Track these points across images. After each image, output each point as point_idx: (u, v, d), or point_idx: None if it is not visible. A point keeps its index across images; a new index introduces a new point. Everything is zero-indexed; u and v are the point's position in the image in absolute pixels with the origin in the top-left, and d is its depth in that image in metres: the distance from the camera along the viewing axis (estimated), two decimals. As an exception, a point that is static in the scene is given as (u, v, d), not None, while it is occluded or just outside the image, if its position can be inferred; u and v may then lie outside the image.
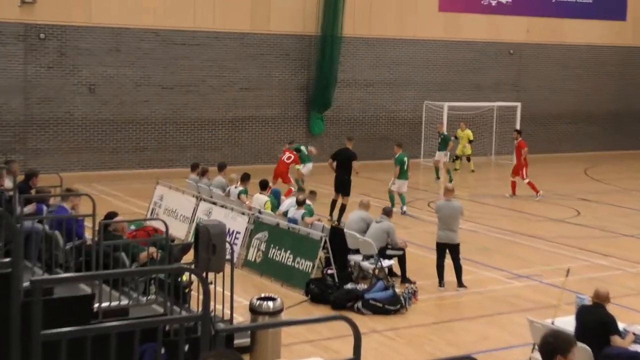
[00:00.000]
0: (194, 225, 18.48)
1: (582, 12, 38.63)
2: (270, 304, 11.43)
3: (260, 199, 18.69)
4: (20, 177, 16.06)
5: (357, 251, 16.22)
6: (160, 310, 10.37)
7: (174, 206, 20.35)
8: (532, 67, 37.91)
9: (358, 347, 6.10)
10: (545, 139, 38.58)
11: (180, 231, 19.09)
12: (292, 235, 16.46)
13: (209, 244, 9.91)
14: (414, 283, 15.52)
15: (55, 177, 16.51)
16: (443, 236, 15.87)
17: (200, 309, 10.11)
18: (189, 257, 12.52)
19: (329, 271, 15.57)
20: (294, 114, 33.06)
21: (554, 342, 6.14)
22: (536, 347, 11.18)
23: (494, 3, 36.71)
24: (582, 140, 39.54)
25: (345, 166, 21.75)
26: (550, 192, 27.46)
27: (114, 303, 10.18)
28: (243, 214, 18.07)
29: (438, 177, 29.62)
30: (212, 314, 10.24)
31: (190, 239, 17.95)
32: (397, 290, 14.81)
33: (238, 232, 17.61)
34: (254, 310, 11.47)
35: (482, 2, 36.48)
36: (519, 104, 35.59)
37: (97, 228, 11.21)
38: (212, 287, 9.94)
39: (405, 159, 23.07)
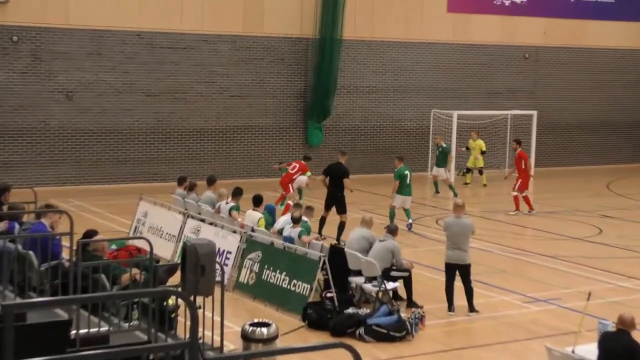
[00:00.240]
0: (180, 244, 18.46)
1: (604, 12, 38.74)
2: (264, 330, 11.40)
3: (253, 216, 18.69)
4: (-9, 192, 16.02)
5: (359, 272, 16.20)
6: (144, 337, 10.34)
7: (159, 223, 20.34)
8: (550, 73, 37.98)
9: (360, 377, 6.08)
10: (564, 151, 38.63)
11: (166, 251, 19.06)
12: (288, 255, 16.44)
13: (197, 265, 9.89)
14: (421, 307, 15.50)
15: (29, 192, 16.49)
16: (452, 256, 15.86)
17: (187, 335, 10.08)
18: (175, 279, 12.49)
19: (328, 294, 15.54)
20: (290, 123, 33.09)
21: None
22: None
23: (507, 3, 36.81)
24: (605, 152, 39.58)
25: (338, 183, 21.78)
26: (570, 208, 27.48)
27: (93, 330, 10.15)
28: (234, 232, 18.06)
29: (437, 192, 29.64)
30: (201, 341, 10.22)
31: (177, 259, 17.93)
32: (403, 315, 14.78)
33: (229, 252, 17.60)
34: (246, 337, 11.44)
35: (494, 2, 36.59)
36: (535, 113, 35.63)
37: (74, 248, 11.19)
38: (200, 311, 9.91)
39: (407, 172, 23.06)
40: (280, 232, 17.77)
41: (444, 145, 30.34)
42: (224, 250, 17.53)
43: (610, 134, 39.64)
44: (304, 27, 32.70)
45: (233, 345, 12.73)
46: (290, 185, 25.01)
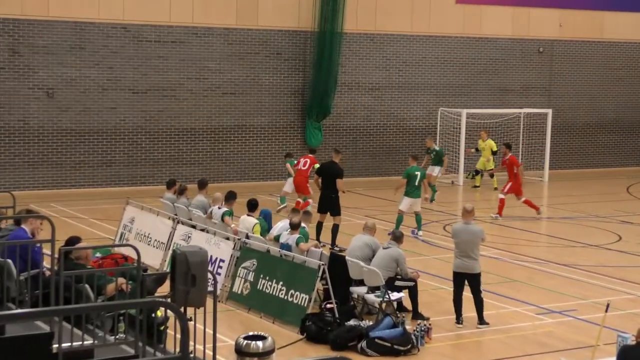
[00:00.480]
0: (170, 252, 18.50)
1: (623, 3, 38.79)
2: (260, 343, 11.40)
3: (248, 222, 18.72)
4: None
5: (361, 282, 16.24)
6: (131, 351, 10.37)
7: (147, 230, 20.38)
8: (566, 68, 38.05)
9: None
10: (581, 152, 38.69)
11: (154, 259, 19.10)
12: (285, 264, 16.48)
13: (187, 274, 9.92)
14: (427, 319, 15.54)
15: (6, 196, 16.53)
16: (461, 265, 15.90)
17: (177, 349, 10.11)
18: (164, 289, 12.53)
19: (328, 305, 15.58)
20: (287, 122, 33.15)
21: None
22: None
23: (520, -7, 36.88)
24: (624, 153, 39.66)
25: (331, 183, 21.85)
26: (587, 213, 27.52)
27: (77, 343, 10.18)
28: (228, 238, 18.09)
29: (434, 191, 29.66)
30: (192, 355, 10.25)
31: (166, 268, 17.97)
32: (408, 327, 14.82)
33: (222, 260, 17.63)
34: (240, 351, 11.44)
35: (506, -8, 36.66)
36: (549, 111, 35.69)
37: (56, 256, 11.22)
38: (191, 324, 9.94)
39: (417, 173, 23.09)
40: (276, 238, 17.81)
41: (437, 148, 30.35)
42: (216, 259, 17.56)
43: (630, 133, 39.70)
44: (302, 19, 32.76)
45: (226, 359, 12.78)
46: (308, 185, 25.07)
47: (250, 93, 32.40)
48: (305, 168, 25.41)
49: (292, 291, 15.91)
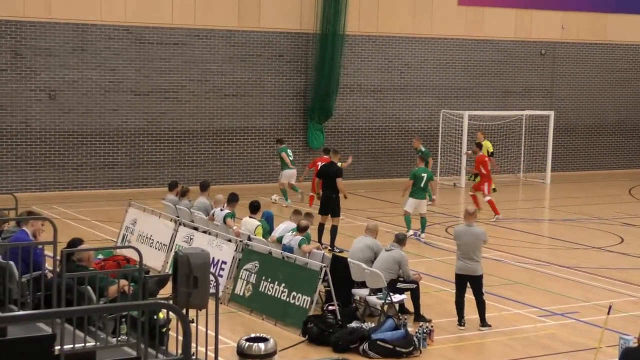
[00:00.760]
0: (172, 254, 18.50)
1: (626, 5, 38.78)
2: (262, 345, 11.44)
3: (250, 224, 18.73)
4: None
5: (362, 284, 16.24)
6: (133, 353, 10.37)
7: (149, 232, 20.38)
8: (568, 70, 38.05)
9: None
10: (584, 154, 38.69)
11: (157, 261, 19.11)
12: (287, 266, 16.48)
13: (189, 276, 9.93)
14: (430, 321, 15.52)
15: (9, 197, 16.57)
16: (463, 267, 15.89)
17: (179, 351, 10.12)
18: (166, 291, 12.53)
19: (330, 307, 15.57)
20: (289, 124, 33.16)
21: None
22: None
23: (522, -5, 36.89)
24: (627, 155, 39.65)
25: (331, 184, 21.89)
26: (589, 215, 27.51)
27: (79, 345, 10.18)
28: (230, 240, 18.09)
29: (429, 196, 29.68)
30: (194, 357, 10.26)
31: (168, 270, 17.97)
32: (410, 329, 14.82)
33: (224, 262, 17.64)
34: (242, 353, 11.48)
35: (508, -6, 36.68)
36: (551, 113, 35.68)
37: (58, 257, 11.23)
38: (193, 326, 9.95)
39: (424, 175, 23.07)
40: (279, 240, 17.81)
41: (423, 149, 30.33)
42: (218, 260, 17.57)
43: (632, 135, 39.70)
44: (304, 21, 32.78)
45: (228, 362, 12.78)
46: None
47: (252, 95, 32.41)
48: None
49: (294, 293, 15.91)
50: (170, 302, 10.25)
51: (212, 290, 10.85)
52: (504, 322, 16.30)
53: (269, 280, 16.52)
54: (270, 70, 32.66)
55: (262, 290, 16.57)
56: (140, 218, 21.02)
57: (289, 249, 17.07)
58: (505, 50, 36.72)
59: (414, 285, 16.10)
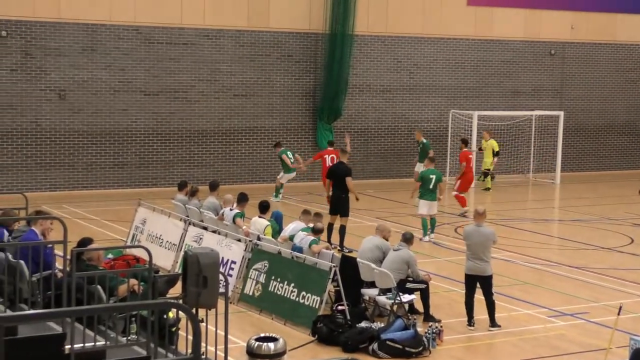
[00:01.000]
0: (181, 253, 18.52)
1: (637, 5, 38.70)
2: (271, 345, 11.44)
3: (260, 223, 18.73)
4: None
5: (372, 284, 16.23)
6: (143, 352, 10.39)
7: (159, 231, 20.39)
8: (577, 70, 37.99)
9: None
10: (593, 154, 38.62)
11: (166, 260, 19.12)
12: (297, 266, 16.48)
13: (199, 276, 9.93)
14: (439, 321, 15.51)
15: (19, 197, 16.60)
16: (473, 267, 15.87)
17: (189, 351, 10.12)
18: (176, 290, 12.55)
19: (340, 307, 15.58)
20: (298, 124, 33.17)
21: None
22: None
23: (532, -5, 36.85)
24: (637, 155, 39.56)
25: (340, 184, 21.86)
26: (599, 216, 27.46)
27: (89, 344, 10.20)
28: (239, 240, 18.10)
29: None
30: (203, 356, 10.26)
31: (178, 269, 18.00)
32: (419, 329, 14.81)
33: (233, 262, 17.64)
34: (252, 353, 11.48)
35: (518, -6, 36.63)
36: (561, 114, 35.63)
37: (68, 257, 11.24)
38: (203, 325, 9.96)
39: (432, 176, 23.00)
40: (291, 238, 17.76)
41: (424, 141, 30.39)
42: (227, 260, 17.58)
43: (642, 136, 39.62)
44: (313, 21, 32.78)
45: (237, 361, 12.79)
46: None
47: (261, 95, 32.43)
48: (333, 164, 25.87)
49: (303, 293, 15.91)
50: (180, 301, 10.26)
51: (221, 290, 10.86)
52: (514, 322, 16.28)
53: (279, 280, 16.53)
54: (280, 70, 32.67)
55: (272, 290, 16.57)
56: (149, 218, 21.04)
57: (299, 249, 17.07)
58: (515, 51, 36.68)
59: (423, 286, 16.09)
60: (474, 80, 35.99)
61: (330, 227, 21.69)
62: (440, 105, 35.33)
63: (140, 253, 14.45)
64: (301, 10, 32.67)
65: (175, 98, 31.17)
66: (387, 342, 14.33)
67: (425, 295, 16.12)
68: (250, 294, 16.99)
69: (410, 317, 15.46)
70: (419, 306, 16.24)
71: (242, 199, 20.00)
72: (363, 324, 14.99)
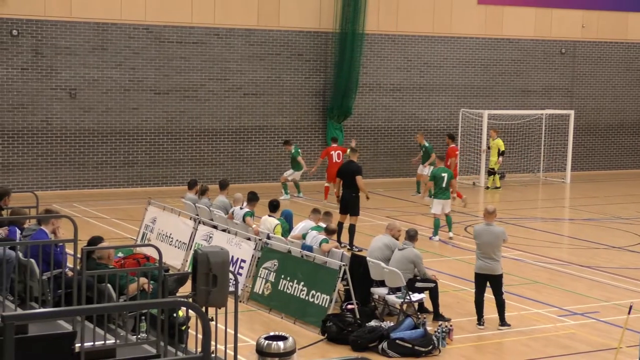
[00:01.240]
0: (191, 252, 18.56)
1: (647, 4, 38.62)
2: (281, 344, 11.44)
3: (270, 222, 18.75)
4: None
5: (381, 283, 16.23)
6: (153, 351, 10.42)
7: (169, 230, 20.43)
8: (588, 69, 37.92)
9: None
10: (604, 154, 38.54)
11: (176, 259, 19.16)
12: (306, 265, 16.49)
13: (209, 274, 9.95)
14: (449, 320, 15.51)
15: (30, 196, 16.65)
16: (483, 266, 15.86)
17: (199, 349, 10.14)
18: (186, 289, 12.57)
19: (349, 306, 15.59)
20: (308, 123, 33.17)
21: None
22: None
23: (542, -6, 36.78)
24: (647, 154, 39.48)
25: (351, 182, 21.84)
26: (610, 215, 27.40)
27: (99, 343, 10.24)
28: (249, 239, 18.12)
29: (418, 192, 29.66)
30: (213, 355, 10.28)
31: (188, 268, 18.03)
32: (429, 328, 14.81)
33: (243, 261, 17.66)
34: (261, 352, 11.47)
35: (528, -8, 36.57)
36: (572, 112, 35.58)
37: (79, 255, 11.27)
38: (212, 324, 9.98)
39: (444, 175, 22.98)
40: (303, 236, 17.75)
41: (427, 144, 30.35)
42: (237, 259, 17.60)
43: (653, 135, 39.53)
44: (323, 20, 32.78)
45: (247, 360, 12.80)
46: None
47: (271, 94, 32.45)
48: (340, 160, 27.18)
49: (313, 292, 15.93)
50: (190, 300, 10.29)
51: (231, 289, 10.88)
52: (524, 321, 16.26)
53: (288, 278, 16.54)
54: (290, 69, 32.69)
55: (281, 288, 16.59)
56: (159, 216, 21.08)
57: (308, 248, 17.08)
58: (525, 49, 36.63)
59: (432, 284, 16.09)
60: (484, 79, 35.95)
61: (340, 226, 21.68)
62: (451, 104, 35.30)
63: (150, 252, 14.48)
64: (311, 9, 32.68)
65: (186, 97, 31.21)
66: (397, 341, 14.34)
67: (434, 295, 16.11)
68: (260, 292, 17.01)
69: (419, 316, 15.47)
70: (429, 305, 16.24)
71: (253, 198, 20.00)
72: (372, 323, 14.99)
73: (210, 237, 18.91)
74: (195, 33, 31.12)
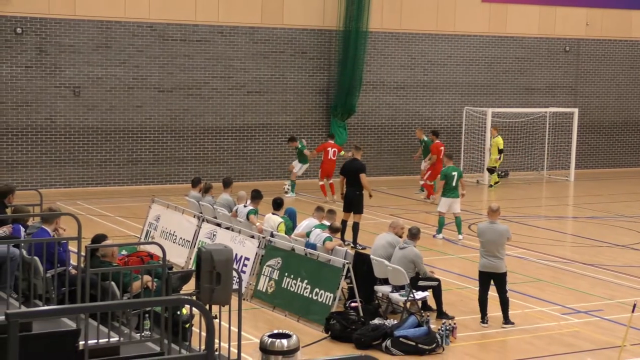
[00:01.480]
0: (195, 250, 18.56)
1: (651, 2, 38.57)
2: (284, 341, 11.45)
3: (273, 220, 18.74)
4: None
5: (385, 281, 16.23)
6: (157, 348, 10.42)
7: (173, 228, 20.44)
8: (592, 67, 37.89)
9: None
10: (608, 152, 38.50)
11: (180, 257, 19.17)
12: (310, 262, 16.50)
13: (212, 272, 9.96)
14: (452, 318, 15.52)
15: (34, 193, 16.65)
16: (487, 264, 15.86)
17: (202, 347, 10.15)
18: (189, 287, 12.58)
19: (353, 304, 15.59)
20: (311, 121, 33.17)
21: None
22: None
23: (546, -8, 36.75)
24: (651, 152, 39.45)
25: (354, 180, 21.82)
26: (613, 213, 27.39)
27: (103, 340, 10.24)
28: (253, 237, 18.13)
29: (422, 190, 29.66)
30: (217, 353, 10.29)
31: (192, 266, 18.03)
32: (433, 326, 14.81)
33: (247, 258, 17.67)
34: (265, 350, 11.49)
35: (532, -10, 36.54)
36: (575, 111, 35.55)
37: (82, 253, 11.28)
38: (216, 322, 9.98)
39: (454, 173, 22.90)
40: (308, 235, 17.75)
41: (426, 139, 30.34)
42: (241, 257, 17.60)
43: (657, 133, 39.50)
44: (327, 18, 32.78)
45: (251, 357, 12.81)
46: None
47: (275, 92, 32.45)
48: (335, 158, 27.99)
49: (316, 290, 15.93)
50: (194, 298, 10.30)
51: (235, 287, 10.89)
52: (527, 319, 16.26)
53: (292, 276, 16.55)
54: (293, 67, 32.68)
55: (285, 286, 16.60)
56: (163, 214, 21.10)
57: (311, 246, 17.08)
58: (529, 47, 36.60)
59: (435, 282, 16.09)
60: (488, 77, 35.93)
61: (344, 223, 21.66)
62: (454, 102, 35.28)
63: (154, 249, 14.49)
64: (315, 6, 32.67)
65: (189, 95, 31.22)
66: (400, 339, 14.34)
67: (437, 293, 16.11)
68: (264, 290, 17.02)
69: (423, 314, 15.47)
70: (432, 303, 16.24)
71: (256, 196, 20.01)
72: (376, 321, 15.00)
73: (214, 235, 18.92)
74: (199, 31, 31.13)
